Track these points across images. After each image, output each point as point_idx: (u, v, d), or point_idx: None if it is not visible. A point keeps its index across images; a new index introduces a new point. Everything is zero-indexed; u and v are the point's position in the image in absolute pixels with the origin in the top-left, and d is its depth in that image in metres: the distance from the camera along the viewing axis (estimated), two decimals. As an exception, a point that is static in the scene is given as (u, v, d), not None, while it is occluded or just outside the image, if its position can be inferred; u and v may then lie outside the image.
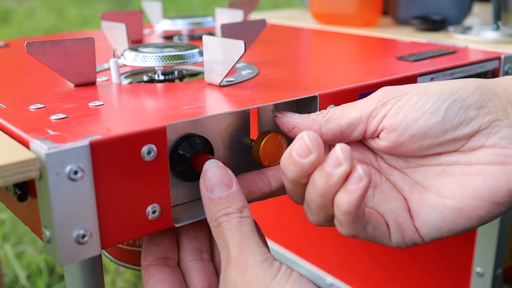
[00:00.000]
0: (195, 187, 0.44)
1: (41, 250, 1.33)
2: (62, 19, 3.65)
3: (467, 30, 0.75)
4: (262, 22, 0.60)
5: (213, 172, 0.39)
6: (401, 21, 0.86)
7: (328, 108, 0.44)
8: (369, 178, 0.36)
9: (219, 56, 0.48)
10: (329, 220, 0.40)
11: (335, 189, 0.37)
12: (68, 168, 0.34)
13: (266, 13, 1.07)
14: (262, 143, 0.44)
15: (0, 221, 1.48)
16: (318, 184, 0.37)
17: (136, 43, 0.74)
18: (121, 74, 0.53)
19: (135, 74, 0.58)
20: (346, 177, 0.36)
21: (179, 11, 3.80)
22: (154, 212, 0.39)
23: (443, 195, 0.41)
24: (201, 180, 0.39)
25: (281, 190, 0.44)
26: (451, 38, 0.74)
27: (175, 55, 0.52)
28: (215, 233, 0.38)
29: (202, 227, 0.45)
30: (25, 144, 0.36)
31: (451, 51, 0.63)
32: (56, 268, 1.28)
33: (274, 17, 1.01)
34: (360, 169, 0.36)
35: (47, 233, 0.36)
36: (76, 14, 3.72)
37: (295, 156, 0.38)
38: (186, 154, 0.42)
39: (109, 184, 0.36)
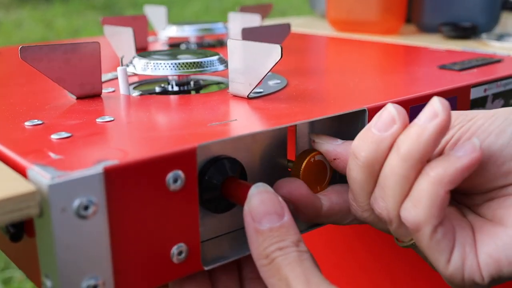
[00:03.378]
0: (224, 219, 0.37)
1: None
2: (51, 30, 3.57)
3: (504, 37, 0.69)
4: (287, 26, 0.54)
5: (262, 198, 0.32)
6: (426, 29, 0.80)
7: None
8: (481, 153, 0.31)
9: (248, 63, 0.41)
10: (400, 203, 0.33)
11: (425, 150, 0.30)
12: (76, 203, 0.27)
13: (276, 20, 1.00)
14: (303, 166, 0.37)
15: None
16: (403, 145, 0.31)
17: (140, 51, 0.67)
18: (129, 85, 0.46)
19: (145, 84, 0.51)
20: (442, 133, 0.30)
21: (171, 22, 3.74)
22: (180, 253, 0.31)
23: (506, 224, 0.34)
24: (245, 209, 0.32)
25: (331, 214, 0.37)
26: (487, 46, 0.67)
27: (192, 63, 0.45)
28: (266, 272, 0.31)
29: (232, 267, 0.38)
30: (22, 171, 0.29)
31: (497, 60, 0.56)
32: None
33: (284, 24, 0.95)
34: (476, 140, 0.31)
35: (48, 283, 0.28)
36: (65, 25, 3.64)
37: (374, 130, 0.32)
38: (215, 180, 0.35)
39: (127, 220, 0.29)
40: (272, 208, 0.32)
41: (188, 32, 0.69)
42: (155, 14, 0.77)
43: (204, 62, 0.46)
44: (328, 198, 0.37)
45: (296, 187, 0.36)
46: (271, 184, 0.39)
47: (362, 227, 0.77)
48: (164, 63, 0.45)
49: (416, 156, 0.31)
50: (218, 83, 0.51)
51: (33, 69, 0.41)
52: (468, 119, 0.35)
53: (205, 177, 0.34)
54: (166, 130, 0.35)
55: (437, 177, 0.30)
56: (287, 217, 0.32)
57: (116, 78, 0.51)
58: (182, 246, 0.31)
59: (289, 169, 0.39)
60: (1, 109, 0.41)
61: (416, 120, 0.31)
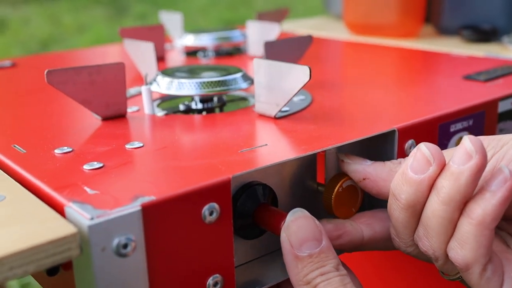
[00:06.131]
0: (254, 244, 0.37)
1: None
2: (58, 26, 3.57)
3: (526, 41, 0.68)
4: (308, 38, 0.53)
5: (300, 224, 0.32)
6: (445, 31, 0.79)
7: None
8: None
9: (274, 83, 0.41)
10: (446, 243, 0.33)
11: (465, 192, 0.30)
12: (116, 241, 0.27)
13: (290, 22, 1.00)
14: (334, 196, 0.37)
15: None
16: (442, 189, 0.31)
17: (158, 60, 0.67)
18: (153, 101, 0.45)
19: (168, 100, 0.51)
20: (479, 173, 0.30)
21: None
22: (215, 284, 0.31)
23: None
24: (283, 235, 0.32)
25: (373, 243, 0.37)
26: (509, 51, 0.67)
27: (216, 82, 0.45)
28: None
29: None
30: (59, 208, 0.29)
31: (522, 68, 0.55)
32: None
33: (300, 27, 0.94)
34: (505, 168, 0.30)
35: (88, 319, 0.28)
36: (73, 22, 3.63)
37: (411, 173, 0.32)
38: (248, 207, 0.35)
39: (164, 255, 0.29)
40: (311, 234, 0.32)
41: (206, 41, 0.69)
42: (171, 20, 0.76)
43: (228, 80, 0.45)
44: (371, 227, 0.37)
45: (328, 231, 0.36)
46: (299, 206, 0.39)
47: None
48: (188, 82, 0.45)
49: (457, 199, 0.30)
50: (241, 98, 0.51)
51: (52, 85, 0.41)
52: (501, 144, 0.34)
53: (238, 204, 0.34)
54: (197, 157, 0.34)
55: (478, 218, 0.30)
56: (325, 242, 0.32)
57: (139, 94, 0.51)
58: (217, 277, 0.31)
59: (319, 190, 0.39)
60: (29, 133, 0.41)
61: (451, 163, 0.31)
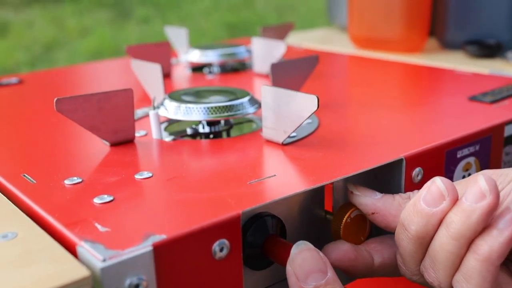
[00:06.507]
0: (262, 274, 0.37)
1: None
2: (62, 30, 3.57)
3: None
4: (314, 59, 0.53)
5: (304, 257, 0.32)
6: (449, 45, 0.79)
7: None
8: None
9: (282, 110, 0.41)
10: (451, 276, 0.33)
11: (474, 229, 0.31)
12: (128, 282, 0.27)
13: (295, 34, 1.00)
14: (342, 226, 0.37)
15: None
16: (453, 224, 0.31)
17: (165, 77, 0.67)
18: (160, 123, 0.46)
19: (175, 123, 0.51)
20: (491, 213, 0.30)
21: (181, 19, 3.72)
22: (225, 318, 0.32)
23: None
24: (288, 268, 0.33)
25: (382, 269, 0.37)
26: (513, 67, 0.67)
27: (223, 107, 0.45)
28: None
29: None
30: (70, 246, 0.29)
31: (527, 88, 0.56)
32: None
33: (305, 39, 0.94)
34: None
35: None
36: (76, 25, 3.64)
37: (423, 205, 0.32)
38: (257, 238, 0.35)
39: (174, 293, 0.29)
40: (316, 266, 0.32)
41: (212, 57, 0.69)
42: (176, 35, 0.76)
43: (235, 105, 0.46)
44: (381, 254, 0.37)
45: (345, 252, 0.36)
46: (310, 236, 0.39)
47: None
48: (195, 107, 0.45)
49: (466, 235, 0.31)
50: (248, 120, 0.51)
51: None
52: (508, 180, 0.34)
53: (247, 235, 0.34)
54: (206, 189, 0.35)
55: (484, 255, 0.30)
56: (330, 273, 0.32)
57: (146, 115, 0.51)
58: (227, 311, 0.32)
59: (327, 218, 0.39)
60: (37, 160, 0.41)
61: (464, 199, 0.31)
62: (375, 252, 0.38)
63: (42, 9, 4.06)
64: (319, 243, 0.38)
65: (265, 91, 0.42)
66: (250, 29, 3.46)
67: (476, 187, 0.31)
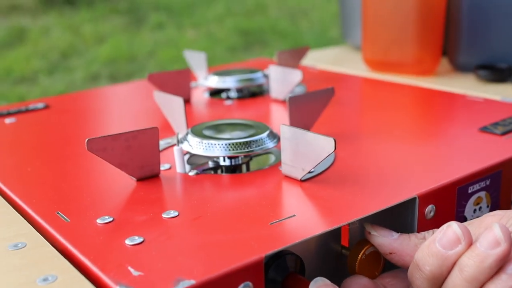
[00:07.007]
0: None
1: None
2: (78, 37, 3.63)
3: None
4: (330, 91, 0.55)
5: None
6: (461, 67, 0.80)
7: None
8: None
9: (300, 149, 0.43)
10: None
11: (488, 273, 0.33)
12: (160, 326, 0.29)
13: (309, 53, 1.02)
14: (359, 259, 0.39)
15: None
16: (466, 267, 0.34)
17: (185, 102, 0.70)
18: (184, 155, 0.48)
19: (198, 155, 0.53)
20: (504, 260, 0.33)
21: (195, 25, 3.76)
22: None
23: None
24: None
25: None
26: (525, 93, 0.68)
27: (242, 143, 0.47)
28: None
29: None
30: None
31: (537, 117, 0.57)
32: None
33: (318, 60, 0.96)
34: None
35: None
36: (92, 32, 3.69)
37: (439, 247, 0.35)
38: (278, 276, 0.37)
39: (203, 333, 0.31)
40: None
41: (230, 83, 0.72)
42: (195, 58, 0.79)
43: (254, 141, 0.48)
44: (395, 285, 0.39)
45: (364, 286, 0.38)
46: (327, 270, 0.41)
47: None
48: (216, 143, 0.47)
49: (479, 279, 0.33)
50: (267, 152, 0.53)
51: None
52: None
53: (268, 272, 0.37)
54: (230, 231, 0.37)
55: None
56: None
57: (169, 146, 0.54)
58: None
59: (343, 253, 0.41)
60: (69, 197, 0.44)
61: (478, 245, 0.33)
62: (390, 286, 0.40)
63: (58, 16, 4.12)
64: (335, 277, 0.40)
65: (284, 130, 0.44)
66: (263, 35, 3.48)
67: (491, 235, 0.33)
